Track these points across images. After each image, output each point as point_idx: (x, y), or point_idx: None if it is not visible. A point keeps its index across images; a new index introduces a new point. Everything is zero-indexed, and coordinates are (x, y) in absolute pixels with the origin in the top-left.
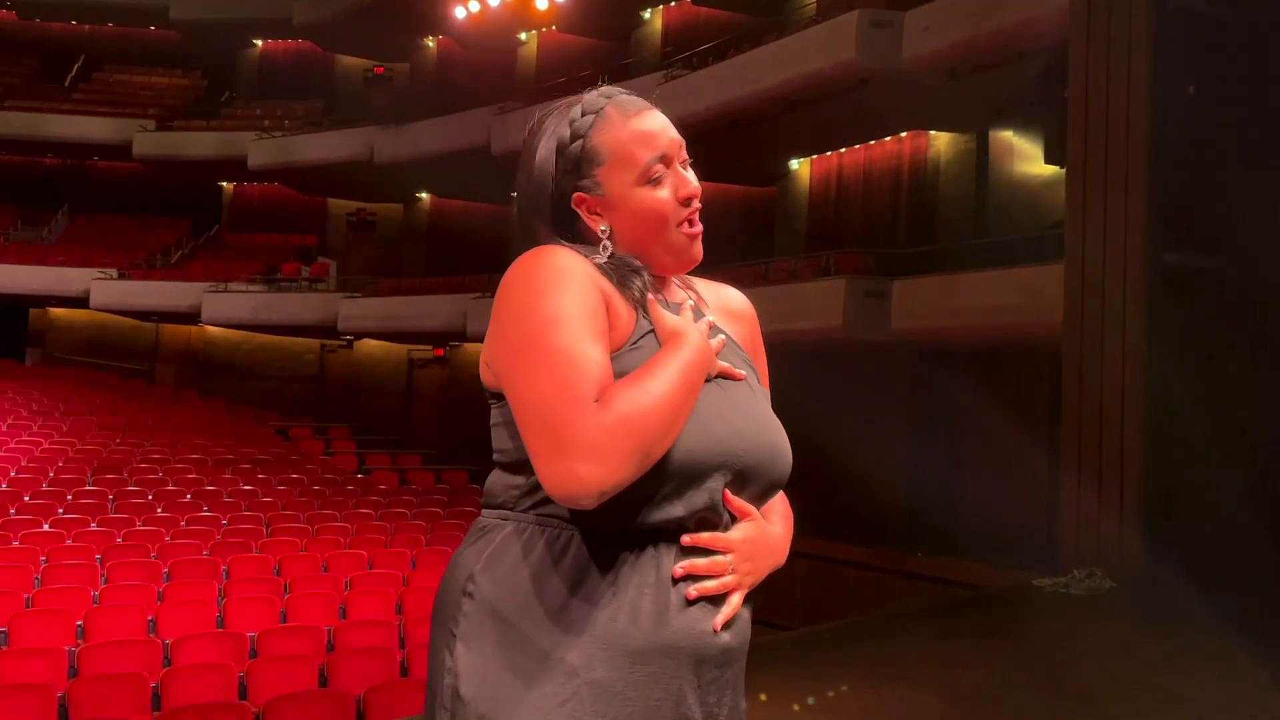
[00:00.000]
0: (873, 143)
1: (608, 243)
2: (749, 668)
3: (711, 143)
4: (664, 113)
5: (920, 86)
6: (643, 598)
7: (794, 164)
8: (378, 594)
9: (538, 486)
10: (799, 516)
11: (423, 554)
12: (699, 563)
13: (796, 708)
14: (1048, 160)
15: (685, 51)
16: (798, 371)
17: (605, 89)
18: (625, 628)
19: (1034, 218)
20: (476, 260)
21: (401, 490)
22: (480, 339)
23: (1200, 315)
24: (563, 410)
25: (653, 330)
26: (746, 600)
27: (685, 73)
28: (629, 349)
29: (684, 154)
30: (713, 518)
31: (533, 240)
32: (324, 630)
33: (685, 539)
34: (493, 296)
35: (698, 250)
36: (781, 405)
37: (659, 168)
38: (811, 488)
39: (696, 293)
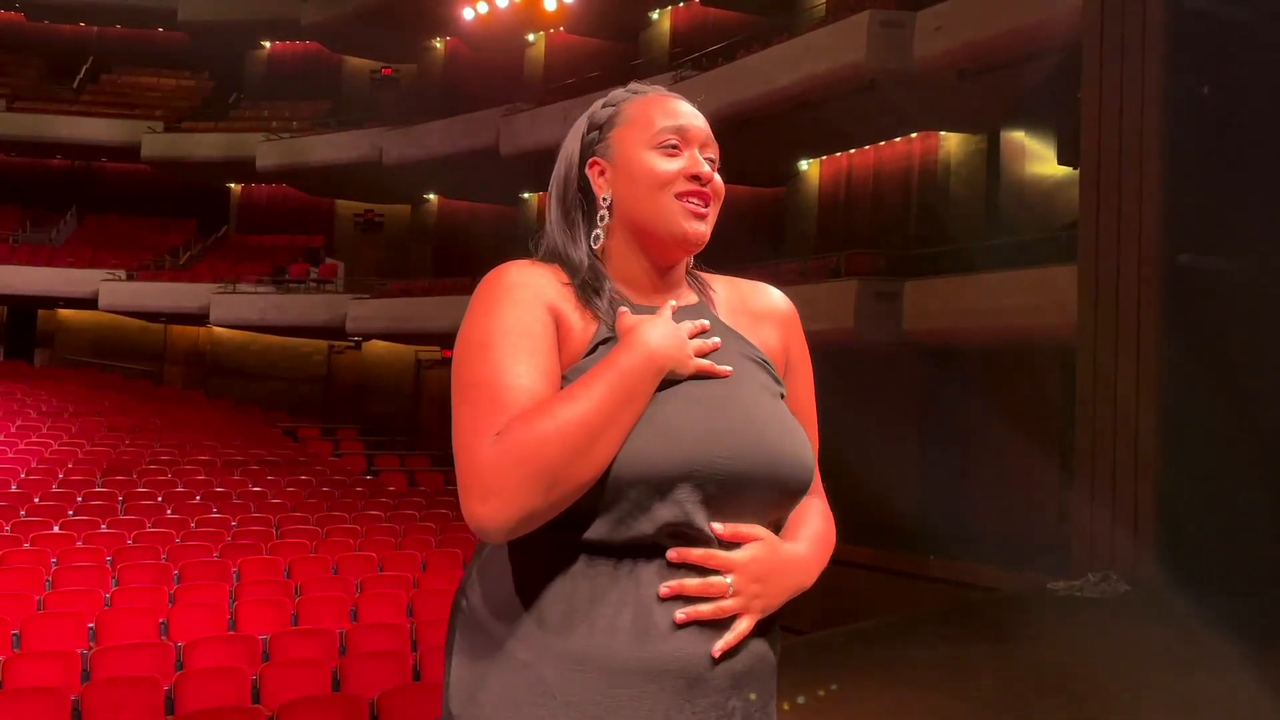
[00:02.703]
0: (883, 143)
1: (604, 212)
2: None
3: (720, 144)
4: None
5: (931, 87)
6: (621, 615)
7: (803, 165)
8: (389, 597)
9: None
10: None
11: (433, 556)
12: (690, 583)
13: (786, 707)
14: (1060, 161)
15: (694, 52)
16: None
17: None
18: (601, 646)
19: (1046, 219)
20: (484, 261)
21: (410, 492)
22: None
23: (1214, 317)
24: (463, 449)
25: (613, 337)
26: (767, 626)
27: (694, 73)
28: (584, 360)
29: (710, 150)
30: (691, 534)
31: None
32: (336, 633)
33: (672, 554)
34: None
35: (695, 230)
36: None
37: (673, 138)
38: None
39: (710, 294)
